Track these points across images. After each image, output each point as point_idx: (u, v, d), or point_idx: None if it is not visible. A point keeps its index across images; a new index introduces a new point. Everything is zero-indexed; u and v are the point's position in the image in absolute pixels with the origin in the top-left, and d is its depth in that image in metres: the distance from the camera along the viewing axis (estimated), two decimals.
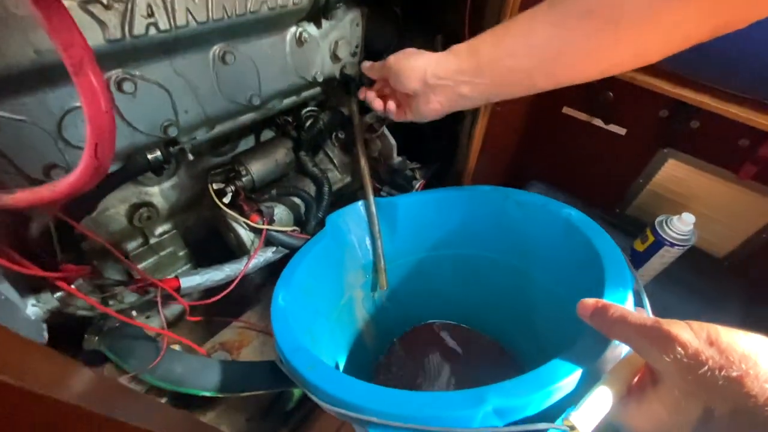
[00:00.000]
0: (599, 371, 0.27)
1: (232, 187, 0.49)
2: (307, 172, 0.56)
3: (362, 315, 0.58)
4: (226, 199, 0.49)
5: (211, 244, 0.63)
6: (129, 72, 0.35)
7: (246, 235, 0.50)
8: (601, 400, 0.24)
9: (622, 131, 0.76)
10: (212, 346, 0.61)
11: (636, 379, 0.26)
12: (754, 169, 0.64)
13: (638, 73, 0.63)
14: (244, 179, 0.51)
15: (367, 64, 0.49)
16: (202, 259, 0.64)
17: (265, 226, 0.49)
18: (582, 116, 0.80)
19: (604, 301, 0.29)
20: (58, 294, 0.33)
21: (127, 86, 0.35)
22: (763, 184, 0.65)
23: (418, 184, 0.70)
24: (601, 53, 0.33)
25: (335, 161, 0.62)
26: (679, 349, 0.22)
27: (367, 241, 0.57)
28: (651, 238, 0.59)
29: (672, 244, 0.57)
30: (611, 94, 0.73)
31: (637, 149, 0.76)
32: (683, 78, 0.60)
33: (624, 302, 0.31)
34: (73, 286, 0.33)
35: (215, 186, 0.50)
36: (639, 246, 0.63)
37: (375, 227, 0.56)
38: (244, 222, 0.49)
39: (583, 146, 0.83)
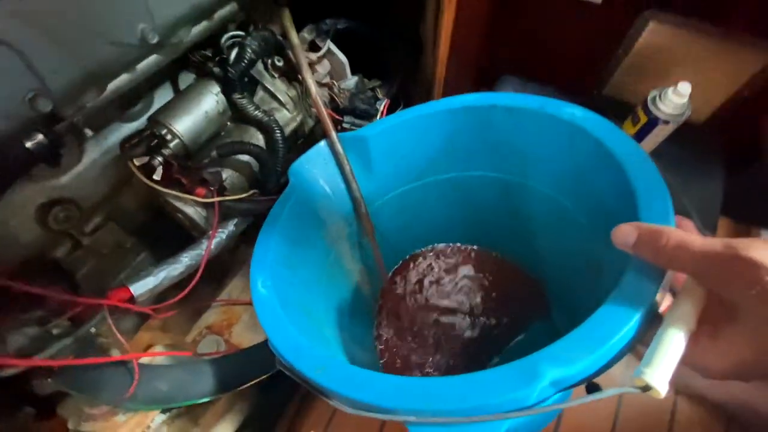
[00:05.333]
0: (655, 309, 0.23)
1: (160, 159, 0.39)
2: (249, 119, 0.46)
3: (354, 266, 0.53)
4: (158, 175, 0.39)
5: (162, 224, 0.54)
6: None
7: (197, 214, 0.41)
8: (673, 348, 0.20)
9: None
10: (199, 332, 0.56)
11: (702, 314, 0.22)
12: (742, 20, 0.58)
13: None
14: (171, 145, 0.40)
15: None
16: (156, 244, 0.55)
17: (217, 198, 0.40)
18: None
19: (647, 225, 0.24)
20: None
21: None
22: (750, 35, 0.60)
23: (382, 105, 0.60)
24: None
25: (280, 97, 0.51)
26: (767, 278, 0.17)
27: (342, 186, 0.49)
28: (643, 118, 0.55)
29: (666, 121, 0.53)
30: None
31: (615, 17, 0.67)
32: None
33: (667, 217, 0.26)
34: None
35: (137, 161, 0.39)
36: (629, 128, 0.58)
37: (346, 168, 0.48)
38: (190, 199, 0.40)
39: (555, 25, 0.73)
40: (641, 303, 0.23)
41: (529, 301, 0.54)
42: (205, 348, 0.52)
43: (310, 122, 0.57)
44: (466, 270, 0.59)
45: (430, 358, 0.53)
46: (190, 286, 0.39)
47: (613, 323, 0.22)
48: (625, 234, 0.25)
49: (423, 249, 0.61)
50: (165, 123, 0.40)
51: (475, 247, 0.60)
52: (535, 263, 0.54)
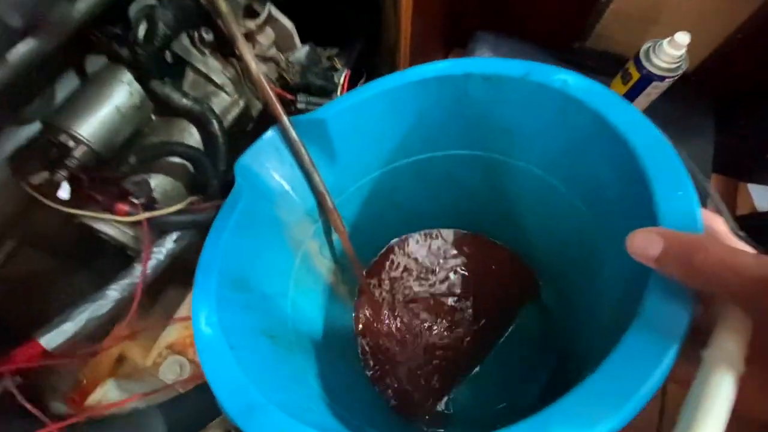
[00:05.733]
0: (683, 345, 0.18)
1: (63, 173, 0.31)
2: (177, 110, 0.37)
3: (324, 267, 0.48)
4: (64, 193, 0.31)
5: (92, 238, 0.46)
6: None
7: (122, 234, 0.34)
8: (720, 405, 0.15)
9: None
10: (159, 353, 0.50)
11: (748, 348, 0.17)
12: None
13: None
14: (76, 154, 0.32)
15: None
16: (94, 259, 0.48)
17: (144, 215, 0.33)
18: None
19: (675, 233, 0.19)
20: None
21: None
22: None
23: (341, 77, 0.52)
24: None
25: (215, 78, 0.42)
26: None
27: (302, 180, 0.42)
28: (635, 75, 0.49)
29: (662, 78, 0.47)
30: None
31: None
32: None
33: (693, 215, 0.21)
34: None
35: (36, 180, 0.31)
36: (620, 87, 0.52)
37: (304, 158, 0.41)
38: (111, 219, 0.32)
39: None
40: (672, 339, 0.18)
41: (518, 284, 0.50)
42: (167, 372, 0.47)
43: (259, 105, 0.48)
44: (451, 255, 0.54)
45: (419, 356, 0.49)
46: (131, 314, 0.32)
47: (641, 369, 0.17)
48: (645, 243, 0.19)
49: (401, 238, 0.55)
50: (64, 128, 0.31)
51: (458, 231, 0.55)
52: (524, 245, 0.49)
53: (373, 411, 0.40)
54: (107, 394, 0.41)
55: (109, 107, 0.33)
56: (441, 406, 0.47)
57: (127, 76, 0.35)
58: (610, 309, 0.32)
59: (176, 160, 0.37)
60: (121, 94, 0.34)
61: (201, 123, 0.38)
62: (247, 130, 0.51)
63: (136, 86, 0.35)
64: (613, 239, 0.30)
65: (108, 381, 0.42)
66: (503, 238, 0.52)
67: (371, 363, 0.49)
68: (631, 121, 0.26)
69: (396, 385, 0.47)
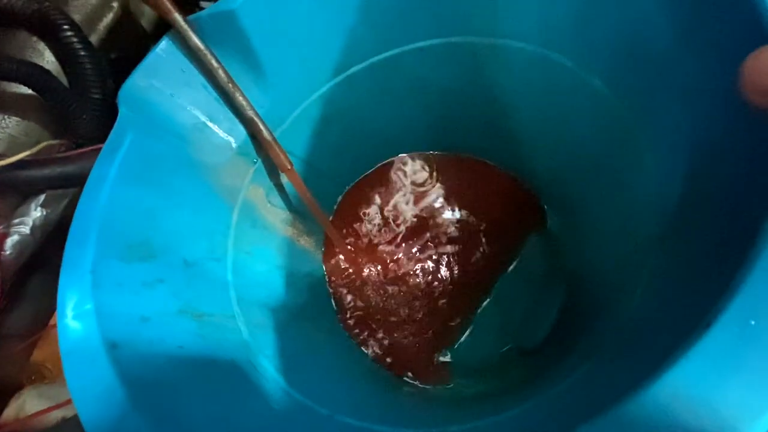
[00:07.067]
0: None
1: None
2: (5, 14, 0.25)
3: (277, 217, 0.38)
4: None
5: None
6: None
7: None
8: None
9: None
10: None
11: None
12: None
13: None
14: None
15: None
16: None
17: None
18: None
19: None
20: None
21: None
22: None
23: None
24: None
25: None
26: None
27: (222, 105, 0.31)
28: None
29: None
30: None
31: None
32: None
33: None
34: None
35: None
36: None
37: (217, 73, 0.30)
38: None
39: None
40: None
41: (519, 213, 0.42)
42: None
43: (151, 12, 0.35)
44: (433, 186, 0.45)
45: (410, 304, 0.41)
46: None
47: None
48: None
49: (372, 170, 0.45)
50: None
51: (439, 154, 0.45)
52: (522, 162, 0.40)
53: (352, 380, 0.33)
54: (25, 406, 0.33)
55: None
56: (441, 357, 0.40)
57: None
58: (648, 222, 0.24)
59: (23, 90, 0.26)
60: None
61: (45, 31, 0.25)
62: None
63: None
64: (659, 115, 0.21)
65: (25, 390, 0.34)
66: (496, 158, 0.42)
67: (351, 321, 0.41)
68: None
69: (386, 341, 0.40)
